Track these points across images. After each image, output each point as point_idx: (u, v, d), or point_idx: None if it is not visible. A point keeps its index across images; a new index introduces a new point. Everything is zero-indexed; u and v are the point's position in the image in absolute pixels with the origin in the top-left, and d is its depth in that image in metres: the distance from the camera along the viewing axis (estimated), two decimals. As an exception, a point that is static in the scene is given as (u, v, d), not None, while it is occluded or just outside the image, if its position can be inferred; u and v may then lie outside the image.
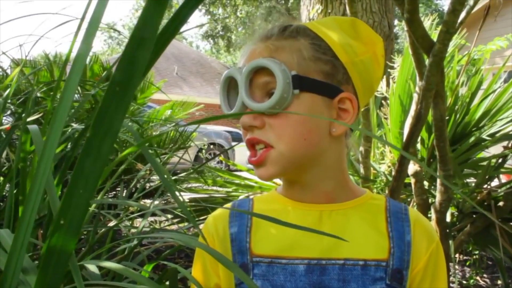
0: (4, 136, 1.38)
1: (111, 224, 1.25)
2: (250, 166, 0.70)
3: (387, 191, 1.80)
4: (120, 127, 0.25)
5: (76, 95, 2.72)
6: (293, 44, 0.68)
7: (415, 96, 1.55)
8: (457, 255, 2.84)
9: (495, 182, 2.18)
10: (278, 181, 2.53)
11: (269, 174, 0.68)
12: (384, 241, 0.70)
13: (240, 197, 2.25)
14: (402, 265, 0.69)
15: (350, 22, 0.74)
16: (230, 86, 0.73)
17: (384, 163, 2.33)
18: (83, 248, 1.21)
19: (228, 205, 0.81)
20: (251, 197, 0.82)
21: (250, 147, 0.69)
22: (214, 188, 2.61)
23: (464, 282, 2.68)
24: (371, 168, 2.22)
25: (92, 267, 0.73)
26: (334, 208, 0.71)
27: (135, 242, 1.15)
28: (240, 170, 2.86)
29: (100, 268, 0.92)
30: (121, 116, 0.24)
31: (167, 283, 0.85)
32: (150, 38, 0.27)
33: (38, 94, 1.99)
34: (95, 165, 0.25)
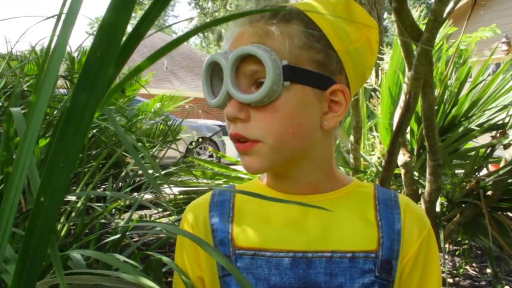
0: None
1: (100, 217, 1.24)
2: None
3: (377, 182, 1.81)
4: (101, 96, 0.24)
5: (64, 90, 2.69)
6: (285, 30, 0.62)
7: (404, 87, 1.55)
8: (446, 245, 2.87)
9: (484, 172, 2.20)
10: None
11: (257, 167, 0.64)
12: (372, 231, 0.67)
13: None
14: (392, 255, 0.66)
15: (344, 3, 0.70)
16: (213, 71, 0.67)
17: (374, 154, 2.34)
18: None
19: (208, 194, 0.75)
20: (232, 185, 0.79)
21: (235, 141, 0.64)
22: (205, 181, 2.60)
23: (454, 271, 2.71)
24: (362, 159, 2.23)
25: (76, 256, 0.72)
26: (320, 199, 0.68)
27: (122, 231, 1.14)
28: (232, 164, 2.87)
29: (88, 260, 0.91)
30: (101, 86, 0.23)
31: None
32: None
33: (25, 88, 1.96)
34: (75, 137, 0.24)
